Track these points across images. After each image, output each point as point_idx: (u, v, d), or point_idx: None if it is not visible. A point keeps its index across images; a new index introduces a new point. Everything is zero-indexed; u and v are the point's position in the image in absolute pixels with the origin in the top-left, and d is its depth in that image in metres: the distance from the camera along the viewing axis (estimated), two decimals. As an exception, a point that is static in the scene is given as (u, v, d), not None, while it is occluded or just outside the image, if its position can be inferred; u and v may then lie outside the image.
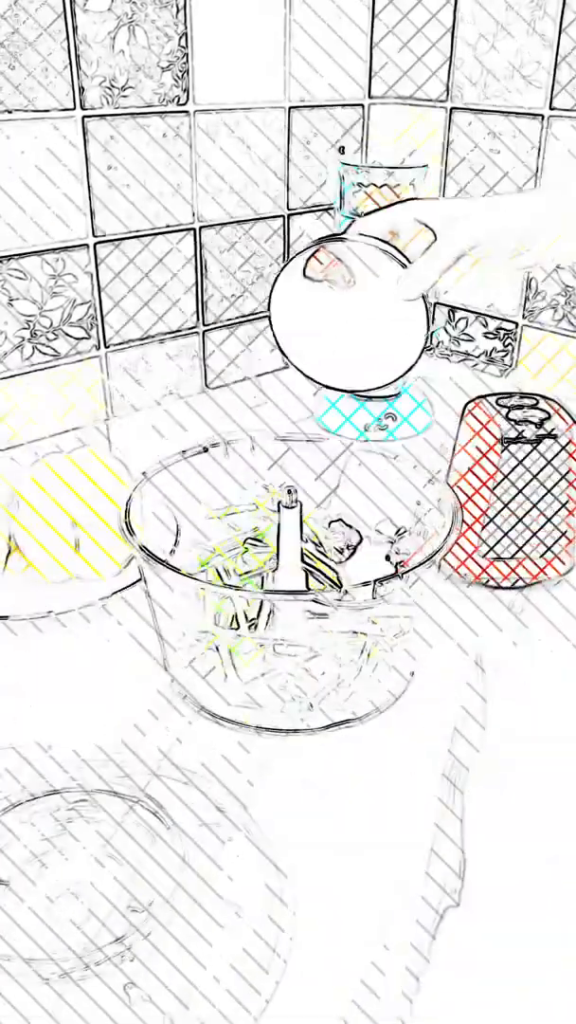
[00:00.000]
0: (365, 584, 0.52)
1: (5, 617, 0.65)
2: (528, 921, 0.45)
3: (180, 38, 0.91)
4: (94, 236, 0.92)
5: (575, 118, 0.97)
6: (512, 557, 0.67)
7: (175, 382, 1.06)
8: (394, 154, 1.15)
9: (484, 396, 0.71)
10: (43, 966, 0.43)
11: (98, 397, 0.99)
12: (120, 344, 0.99)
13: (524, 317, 1.09)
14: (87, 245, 0.92)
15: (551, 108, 0.98)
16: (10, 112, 0.82)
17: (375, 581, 0.52)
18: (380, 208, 0.65)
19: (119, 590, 0.68)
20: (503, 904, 0.46)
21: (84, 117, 0.87)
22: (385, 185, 1.01)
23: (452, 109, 1.07)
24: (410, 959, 0.43)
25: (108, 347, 0.97)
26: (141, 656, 0.64)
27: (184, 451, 0.67)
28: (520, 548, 0.67)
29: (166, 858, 0.48)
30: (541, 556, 0.67)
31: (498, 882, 0.47)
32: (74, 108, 0.86)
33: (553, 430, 0.67)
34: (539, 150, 1.00)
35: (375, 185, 1.01)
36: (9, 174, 0.84)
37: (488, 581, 0.70)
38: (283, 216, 1.09)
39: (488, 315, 1.13)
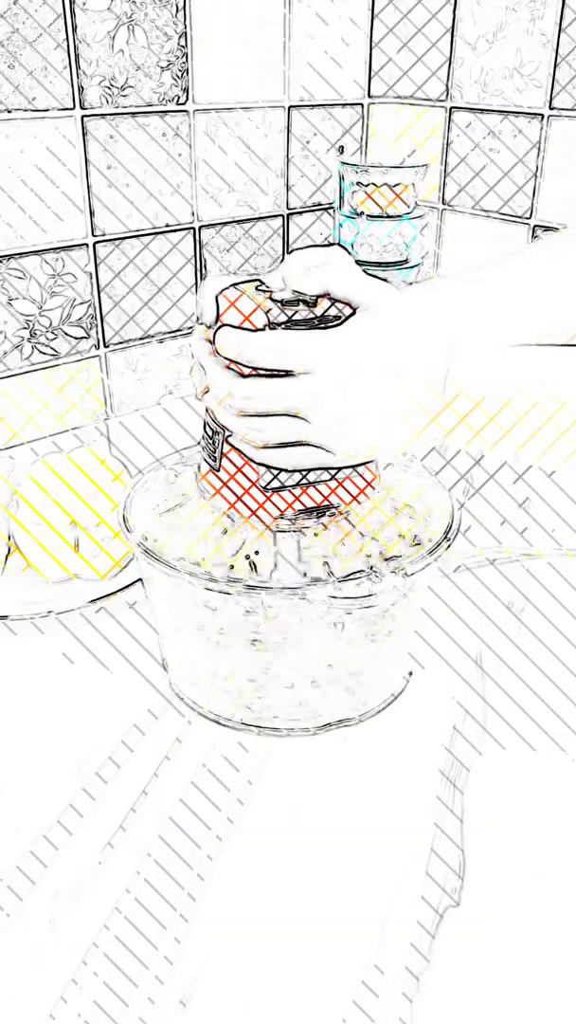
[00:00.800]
0: (360, 572, 0.51)
1: (5, 617, 0.65)
2: (528, 921, 0.45)
3: (179, 37, 0.91)
4: (93, 236, 0.92)
5: (575, 118, 0.97)
6: (297, 485, 0.57)
7: (175, 382, 1.06)
8: (394, 154, 1.15)
9: None
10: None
11: (98, 397, 0.99)
12: (120, 344, 0.99)
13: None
14: (86, 245, 0.92)
15: (551, 108, 0.98)
16: (10, 112, 0.82)
17: (368, 572, 0.52)
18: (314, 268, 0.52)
19: (119, 590, 0.68)
20: (503, 904, 0.46)
21: (83, 116, 0.87)
22: (385, 184, 1.01)
23: (452, 109, 1.07)
24: (410, 959, 0.43)
25: (108, 347, 0.97)
26: (141, 656, 0.63)
27: (183, 451, 0.67)
28: (305, 475, 0.57)
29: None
30: (332, 477, 0.58)
31: (498, 882, 0.47)
32: (73, 107, 0.86)
33: None
34: (539, 150, 1.00)
35: (375, 185, 1.01)
36: (9, 174, 0.84)
37: (273, 513, 0.58)
38: (283, 216, 1.09)
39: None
